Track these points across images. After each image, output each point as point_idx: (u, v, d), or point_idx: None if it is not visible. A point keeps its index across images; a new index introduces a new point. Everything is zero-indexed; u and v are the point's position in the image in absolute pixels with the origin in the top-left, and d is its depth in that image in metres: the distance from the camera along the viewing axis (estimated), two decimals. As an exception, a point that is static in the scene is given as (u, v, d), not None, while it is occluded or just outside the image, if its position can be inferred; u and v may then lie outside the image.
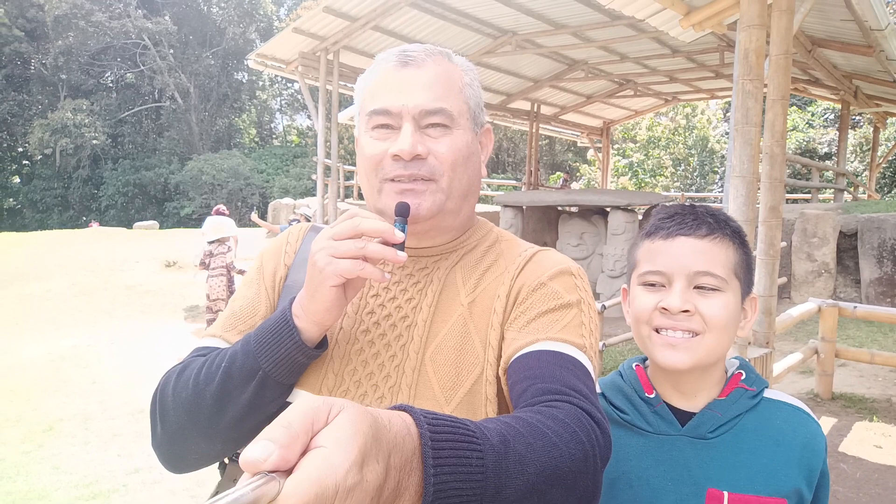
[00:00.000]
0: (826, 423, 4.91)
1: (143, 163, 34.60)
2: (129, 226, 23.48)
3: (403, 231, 0.86)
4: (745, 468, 1.03)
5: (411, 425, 0.57)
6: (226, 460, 1.01)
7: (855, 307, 5.42)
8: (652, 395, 1.11)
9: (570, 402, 0.78)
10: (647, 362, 1.17)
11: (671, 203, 1.17)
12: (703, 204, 1.14)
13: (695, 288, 1.04)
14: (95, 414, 5.70)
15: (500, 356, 0.93)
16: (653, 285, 1.08)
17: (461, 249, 1.05)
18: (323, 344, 0.93)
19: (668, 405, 1.10)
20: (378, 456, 0.51)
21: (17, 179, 36.30)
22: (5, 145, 35.51)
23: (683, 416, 1.09)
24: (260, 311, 1.04)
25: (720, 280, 1.04)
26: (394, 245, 0.83)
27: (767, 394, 1.12)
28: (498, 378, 0.93)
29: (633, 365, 1.17)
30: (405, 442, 0.55)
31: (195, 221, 29.46)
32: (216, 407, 0.89)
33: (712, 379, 1.10)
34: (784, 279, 9.07)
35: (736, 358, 1.17)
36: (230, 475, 1.00)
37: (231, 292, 8.94)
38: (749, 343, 3.95)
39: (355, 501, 0.48)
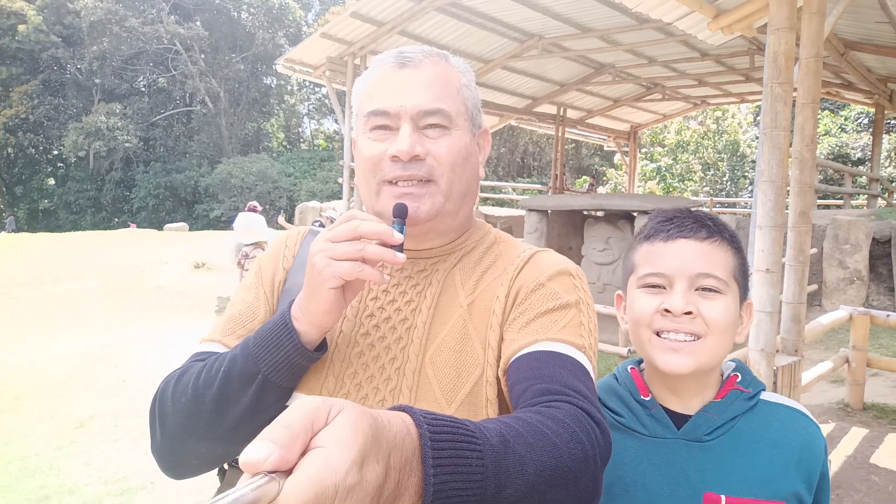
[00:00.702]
0: (857, 434, 4.81)
1: (174, 166, 35.22)
2: (159, 227, 23.91)
3: (402, 232, 0.86)
4: (742, 471, 1.02)
5: (411, 425, 0.57)
6: (225, 466, 1.00)
7: (888, 315, 5.30)
8: (647, 398, 1.09)
9: (569, 402, 0.78)
10: (642, 365, 1.16)
11: (670, 208, 1.15)
12: (697, 209, 1.14)
13: (696, 290, 1.03)
14: (125, 412, 5.81)
15: (499, 357, 0.93)
16: (653, 287, 1.06)
17: (460, 251, 1.05)
18: (322, 347, 0.92)
19: (664, 408, 1.09)
20: (378, 456, 0.51)
21: (52, 181, 37.22)
22: (41, 148, 36.42)
23: (679, 419, 1.08)
24: (259, 315, 1.03)
25: (721, 282, 1.04)
26: (392, 247, 0.83)
27: (764, 396, 1.10)
28: (498, 379, 0.92)
29: (629, 367, 1.16)
30: (405, 442, 0.55)
31: (224, 223, 29.87)
32: (216, 411, 0.89)
33: (710, 382, 1.10)
34: (815, 286, 8.89)
35: (732, 360, 1.16)
36: (230, 481, 0.99)
37: None
38: (777, 351, 3.88)
39: (355, 501, 0.48)
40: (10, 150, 35.11)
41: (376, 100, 0.97)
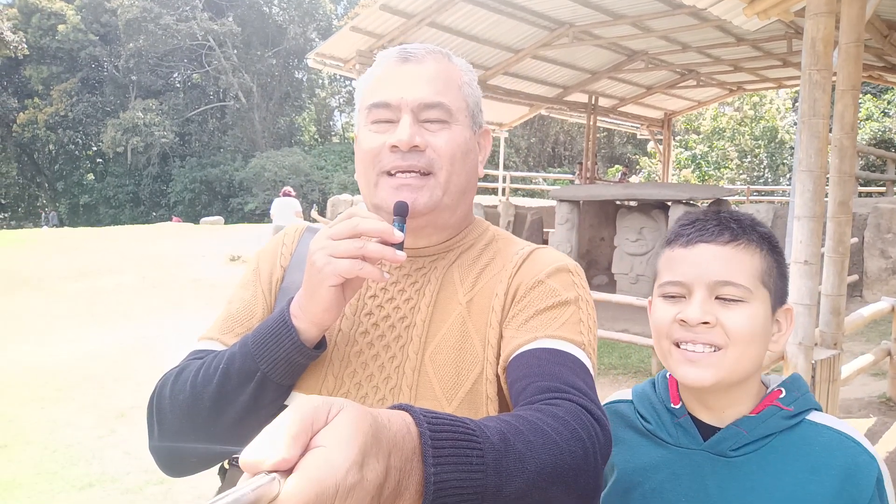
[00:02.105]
0: (899, 429, 4.68)
1: (209, 160, 35.80)
2: (195, 221, 24.34)
3: (402, 231, 0.86)
4: (768, 493, 0.95)
5: (411, 424, 0.57)
6: (226, 465, 1.00)
7: (933, 307, 5.14)
8: (677, 406, 1.05)
9: (569, 400, 0.78)
10: None
11: (697, 209, 1.09)
12: (732, 209, 1.07)
13: (716, 299, 0.97)
14: (163, 403, 5.94)
15: (499, 355, 0.93)
16: (672, 296, 1.01)
17: (458, 248, 1.05)
18: (321, 344, 0.92)
19: (695, 418, 1.04)
20: (378, 455, 0.51)
21: (91, 177, 38.14)
22: (81, 144, 37.38)
23: (709, 431, 1.02)
24: (257, 313, 1.03)
25: (743, 290, 0.96)
26: (392, 245, 0.83)
27: (813, 416, 1.01)
28: (498, 377, 0.92)
29: (667, 374, 1.10)
30: (405, 441, 0.55)
31: (258, 216, 30.29)
32: (214, 409, 0.89)
33: (744, 395, 1.02)
34: (855, 277, 8.66)
35: (793, 375, 1.08)
36: (231, 480, 0.98)
37: None
38: (816, 344, 3.79)
39: (355, 501, 0.48)
40: (51, 146, 36.08)
41: (378, 93, 0.98)
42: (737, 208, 12.18)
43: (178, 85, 38.59)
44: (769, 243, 1.01)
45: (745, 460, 0.98)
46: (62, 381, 6.54)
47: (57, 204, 36.78)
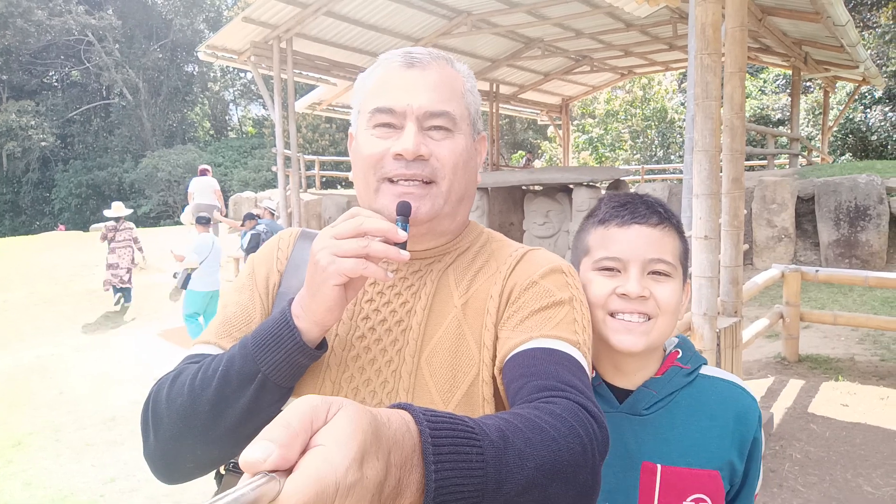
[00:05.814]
0: (795, 386, 5.06)
1: (96, 162, 33.59)
2: (85, 228, 22.81)
3: (405, 230, 0.86)
4: (677, 442, 1.09)
5: (410, 423, 0.58)
6: (222, 471, 1.00)
7: (817, 271, 5.57)
8: (592, 375, 1.15)
9: (566, 398, 0.79)
10: None
11: (619, 192, 1.25)
12: (645, 193, 1.19)
13: (648, 274, 1.11)
14: (66, 425, 5.57)
15: (494, 356, 0.94)
16: (608, 270, 1.12)
17: (454, 252, 1.06)
18: (323, 345, 0.92)
19: (607, 384, 1.16)
20: (378, 453, 0.51)
21: (-38, 186, 34.94)
22: (-53, 152, 34.10)
23: (622, 394, 1.14)
24: (255, 317, 1.02)
25: (671, 266, 1.11)
26: (396, 244, 0.83)
27: (704, 370, 1.18)
28: (494, 378, 0.94)
29: None
30: (405, 439, 0.55)
31: (153, 220, 28.80)
32: (213, 412, 0.87)
33: (653, 358, 1.17)
34: (746, 246, 9.25)
35: (678, 336, 1.22)
36: (227, 485, 0.98)
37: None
38: (718, 313, 4.01)
39: (356, 499, 0.48)
40: (-89, 155, 32.77)
41: (383, 97, 0.98)
42: (633, 187, 12.70)
43: (55, 84, 35.88)
44: (681, 228, 1.16)
45: (655, 416, 1.12)
46: (-54, 412, 5.99)
47: (-77, 218, 33.49)
